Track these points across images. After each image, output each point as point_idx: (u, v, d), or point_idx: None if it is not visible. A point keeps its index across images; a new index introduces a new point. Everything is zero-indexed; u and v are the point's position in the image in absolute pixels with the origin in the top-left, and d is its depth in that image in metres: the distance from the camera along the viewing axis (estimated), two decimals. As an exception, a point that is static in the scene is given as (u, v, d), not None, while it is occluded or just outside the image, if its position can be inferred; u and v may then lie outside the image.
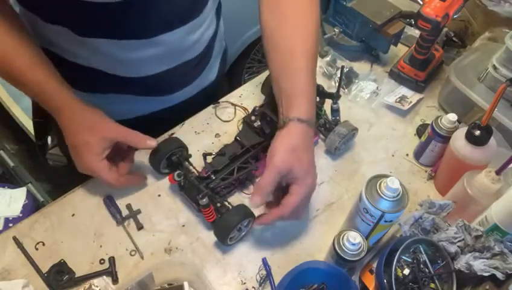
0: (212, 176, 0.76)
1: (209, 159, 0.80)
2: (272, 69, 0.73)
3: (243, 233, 0.74)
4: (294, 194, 0.66)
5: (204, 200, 0.69)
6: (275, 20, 0.72)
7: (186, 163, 0.79)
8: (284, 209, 0.67)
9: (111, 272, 0.70)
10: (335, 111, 0.87)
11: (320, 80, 1.00)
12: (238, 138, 0.81)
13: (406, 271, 0.65)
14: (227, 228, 0.69)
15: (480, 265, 0.62)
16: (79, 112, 0.71)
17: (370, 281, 0.69)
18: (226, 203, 0.75)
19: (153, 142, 0.75)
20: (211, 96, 0.95)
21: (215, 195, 0.74)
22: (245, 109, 0.94)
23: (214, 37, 0.89)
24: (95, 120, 0.72)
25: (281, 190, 0.70)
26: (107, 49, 0.72)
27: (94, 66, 0.75)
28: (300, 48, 0.71)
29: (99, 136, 0.71)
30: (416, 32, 1.08)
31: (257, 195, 0.66)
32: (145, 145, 0.74)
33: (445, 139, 0.80)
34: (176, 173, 0.75)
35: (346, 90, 0.99)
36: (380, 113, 0.97)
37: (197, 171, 0.78)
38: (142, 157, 0.82)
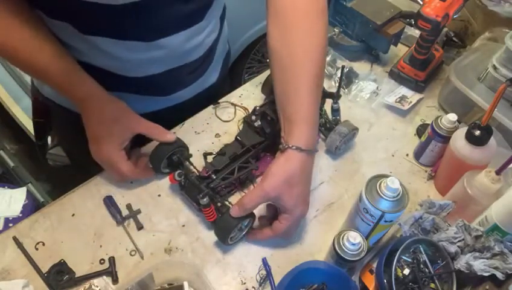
0: (213, 175, 0.76)
1: (210, 158, 0.80)
2: (276, 87, 0.72)
3: (244, 233, 0.74)
4: (283, 222, 0.69)
5: (205, 199, 0.69)
6: (281, 39, 0.71)
7: (187, 163, 0.79)
8: (274, 233, 0.70)
9: (111, 272, 0.70)
10: (335, 111, 0.87)
11: (320, 80, 1.00)
12: (238, 137, 0.81)
13: (406, 271, 0.65)
14: (228, 227, 0.69)
15: (480, 265, 0.62)
16: (103, 102, 0.73)
17: (370, 281, 0.69)
18: (227, 203, 0.75)
19: (172, 136, 0.77)
20: (213, 96, 0.95)
21: (215, 195, 0.74)
22: (245, 108, 0.94)
23: (217, 41, 0.89)
24: (119, 111, 0.74)
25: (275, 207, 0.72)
26: (108, 48, 0.72)
27: (95, 64, 0.76)
28: (305, 70, 0.69)
29: (123, 126, 0.73)
30: (416, 32, 1.08)
31: (237, 208, 0.68)
32: (165, 138, 0.77)
33: (445, 139, 0.80)
34: (177, 172, 0.75)
35: (346, 90, 0.99)
36: (380, 113, 0.97)
37: (198, 171, 0.78)
38: (142, 157, 0.83)
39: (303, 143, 0.67)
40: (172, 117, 0.89)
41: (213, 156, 0.80)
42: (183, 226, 0.76)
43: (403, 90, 0.99)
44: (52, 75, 0.70)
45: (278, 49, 0.71)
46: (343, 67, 0.83)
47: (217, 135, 0.89)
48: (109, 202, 0.77)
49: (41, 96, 0.92)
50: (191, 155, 0.80)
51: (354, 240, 0.62)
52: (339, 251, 0.63)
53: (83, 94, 0.72)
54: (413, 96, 0.98)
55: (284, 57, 0.71)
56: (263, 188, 0.66)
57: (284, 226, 0.69)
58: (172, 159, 0.78)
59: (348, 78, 1.00)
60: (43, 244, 0.73)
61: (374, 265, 0.70)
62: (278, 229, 0.70)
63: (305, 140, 0.67)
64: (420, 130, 0.93)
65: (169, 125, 0.89)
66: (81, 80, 0.71)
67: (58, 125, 1.05)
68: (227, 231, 0.69)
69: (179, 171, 0.75)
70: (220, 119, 0.92)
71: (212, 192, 0.73)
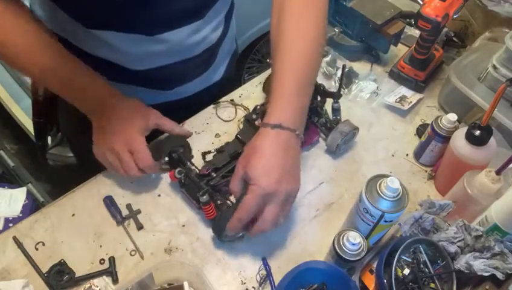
0: (213, 173, 0.76)
1: (209, 157, 0.81)
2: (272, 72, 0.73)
3: (240, 233, 0.74)
4: (249, 194, 0.63)
5: (204, 197, 0.69)
6: (277, 22, 0.72)
7: (188, 162, 0.79)
8: (241, 209, 0.64)
9: (111, 272, 0.70)
10: (336, 110, 0.87)
11: (320, 80, 1.00)
12: (239, 136, 0.81)
13: (406, 271, 0.65)
14: (225, 223, 0.68)
15: (480, 265, 0.62)
16: (121, 97, 0.74)
17: (370, 281, 0.69)
18: (227, 201, 0.75)
19: (189, 132, 0.82)
20: (218, 94, 0.95)
21: (215, 192, 0.74)
22: (245, 108, 0.94)
23: (222, 38, 0.89)
24: (140, 105, 0.75)
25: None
26: (111, 41, 0.74)
27: (98, 55, 0.77)
28: (294, 48, 0.69)
29: (143, 116, 0.74)
30: (416, 32, 1.08)
31: (234, 220, 0.65)
32: (183, 131, 0.81)
33: (445, 139, 0.80)
34: (177, 170, 0.75)
35: (346, 90, 0.99)
36: (380, 113, 0.97)
37: (198, 170, 0.78)
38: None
39: (273, 119, 0.65)
40: (175, 113, 0.89)
41: (212, 153, 0.80)
42: (183, 226, 0.76)
43: (403, 90, 0.99)
44: (61, 73, 0.69)
45: (273, 33, 0.72)
46: (343, 66, 0.83)
47: (217, 135, 0.89)
48: (109, 202, 0.77)
49: (42, 95, 0.92)
50: (192, 156, 0.80)
51: (354, 240, 0.62)
52: (339, 251, 0.63)
53: (98, 92, 0.72)
54: (413, 96, 0.98)
55: (276, 37, 0.71)
56: (237, 165, 0.67)
57: (250, 198, 0.62)
58: (172, 156, 0.78)
59: (348, 78, 1.00)
60: (43, 244, 0.73)
61: (374, 265, 0.70)
62: (245, 203, 0.63)
63: (277, 116, 0.65)
64: (420, 130, 0.93)
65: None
66: (94, 78, 0.72)
67: (55, 126, 1.05)
68: (223, 226, 0.69)
69: (179, 169, 0.75)
70: (220, 119, 0.92)
71: (212, 190, 0.73)
